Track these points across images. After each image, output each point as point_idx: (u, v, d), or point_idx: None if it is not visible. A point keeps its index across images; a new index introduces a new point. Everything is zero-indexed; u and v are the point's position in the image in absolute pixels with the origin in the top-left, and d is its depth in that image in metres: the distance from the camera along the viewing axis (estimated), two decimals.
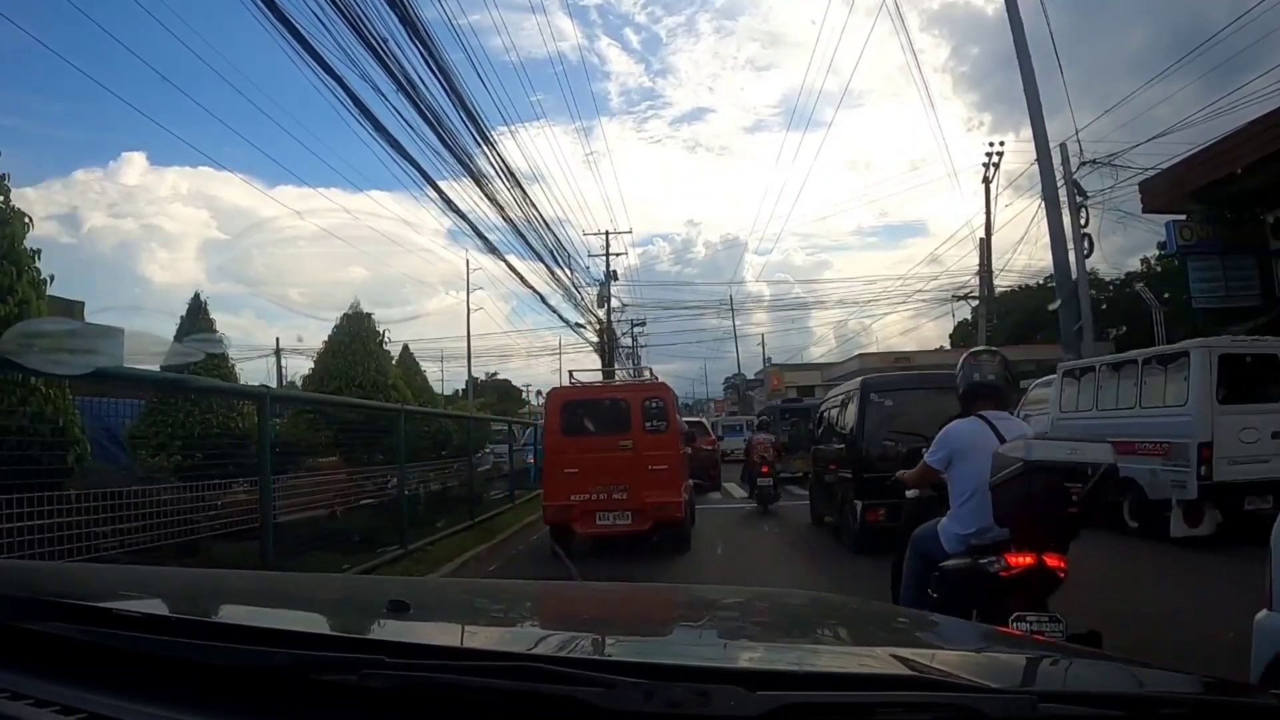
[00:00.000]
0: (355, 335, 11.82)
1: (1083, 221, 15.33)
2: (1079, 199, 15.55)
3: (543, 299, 24.62)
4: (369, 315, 12.20)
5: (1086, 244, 15.32)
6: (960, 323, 41.71)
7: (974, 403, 3.27)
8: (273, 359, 37.82)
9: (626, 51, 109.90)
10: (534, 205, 15.60)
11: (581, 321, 29.16)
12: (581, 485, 8.46)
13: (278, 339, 41.57)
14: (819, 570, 7.44)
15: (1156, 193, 15.93)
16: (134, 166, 78.13)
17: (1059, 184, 14.74)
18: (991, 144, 22.75)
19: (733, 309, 43.97)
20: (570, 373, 10.40)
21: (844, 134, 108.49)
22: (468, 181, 12.31)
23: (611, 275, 32.27)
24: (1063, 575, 2.81)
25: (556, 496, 8.62)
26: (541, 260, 18.28)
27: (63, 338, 3.28)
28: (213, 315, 9.00)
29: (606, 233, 32.25)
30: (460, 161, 11.22)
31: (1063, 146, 15.66)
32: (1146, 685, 1.00)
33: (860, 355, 35.94)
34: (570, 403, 9.18)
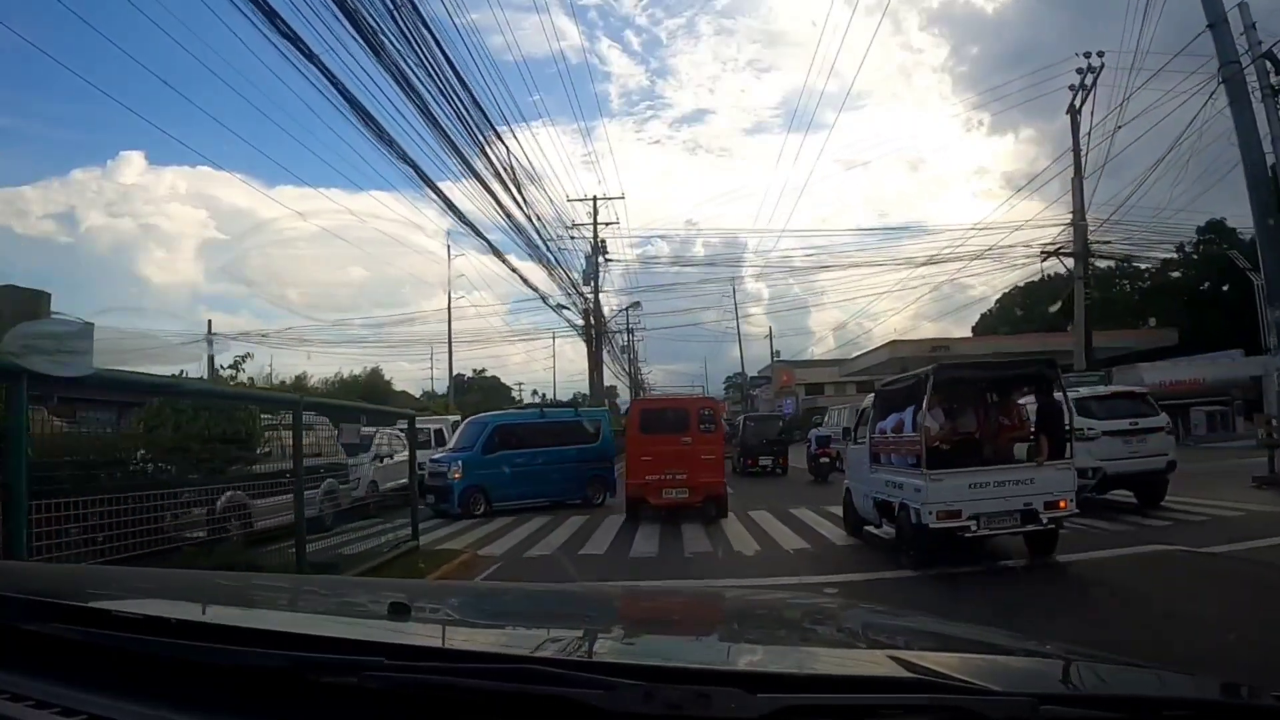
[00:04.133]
0: None
1: None
2: (1274, 76, 11.71)
3: (523, 279, 23.35)
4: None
5: None
6: (983, 315, 45.44)
7: (814, 427, 22.91)
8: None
9: (627, 53, 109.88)
10: (502, 141, 13.42)
11: (565, 304, 25.40)
12: (653, 469, 11.69)
13: (209, 321, 36.57)
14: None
15: None
16: (132, 166, 77.89)
17: (1244, 57, 11.30)
18: (1088, 55, 17.95)
19: (735, 305, 42.05)
20: (640, 391, 18.73)
21: (845, 135, 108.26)
22: (427, 125, 10.77)
23: (601, 247, 27.18)
24: (832, 453, 17.73)
25: (636, 476, 11.93)
26: (510, 218, 15.84)
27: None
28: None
29: (595, 198, 26.99)
30: (408, 92, 9.62)
31: (1242, 5, 11.86)
32: (1147, 687, 1.00)
33: (893, 343, 34.23)
34: (646, 410, 13.37)
